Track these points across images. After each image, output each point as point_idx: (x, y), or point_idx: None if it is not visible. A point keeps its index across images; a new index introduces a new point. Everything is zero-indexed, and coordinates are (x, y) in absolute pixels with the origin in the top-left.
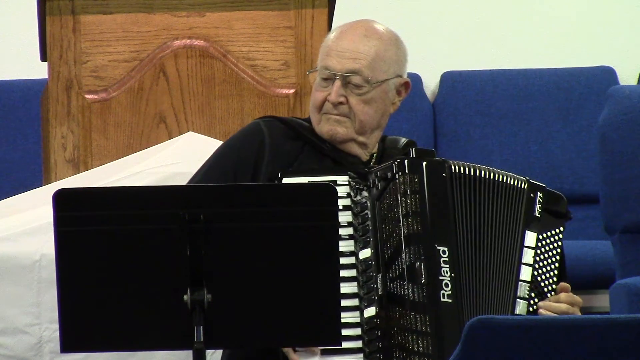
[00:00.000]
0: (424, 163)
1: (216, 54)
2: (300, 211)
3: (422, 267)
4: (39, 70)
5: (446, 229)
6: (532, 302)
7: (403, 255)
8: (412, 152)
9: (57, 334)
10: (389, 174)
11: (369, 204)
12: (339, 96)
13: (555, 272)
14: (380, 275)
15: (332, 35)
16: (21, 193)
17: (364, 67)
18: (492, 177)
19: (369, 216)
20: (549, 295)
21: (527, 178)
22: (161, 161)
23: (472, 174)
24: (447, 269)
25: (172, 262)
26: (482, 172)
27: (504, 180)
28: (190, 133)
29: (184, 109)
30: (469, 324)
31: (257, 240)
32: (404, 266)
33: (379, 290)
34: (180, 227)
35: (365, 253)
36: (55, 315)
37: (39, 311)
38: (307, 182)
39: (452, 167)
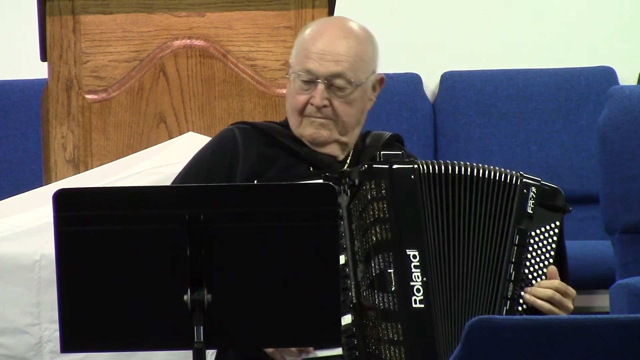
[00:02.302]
0: (390, 168)
1: (216, 54)
2: (300, 211)
3: (392, 274)
4: (39, 70)
5: (416, 233)
6: (521, 300)
7: (373, 264)
8: (379, 157)
9: (57, 334)
10: (356, 181)
11: (342, 210)
12: (323, 99)
13: (550, 267)
14: (353, 283)
15: (307, 36)
16: (21, 193)
17: (347, 69)
18: (472, 174)
19: (343, 222)
20: None
21: (521, 173)
22: (161, 161)
23: (444, 172)
24: (419, 274)
25: (172, 262)
26: (460, 169)
27: (491, 177)
28: (190, 133)
29: (184, 109)
30: (469, 324)
31: (257, 240)
32: (374, 274)
33: (353, 298)
34: (180, 227)
35: (341, 260)
36: (55, 315)
37: (39, 311)
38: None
39: (422, 168)
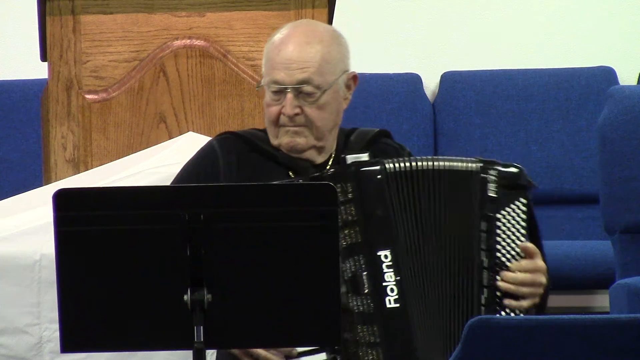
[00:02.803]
0: (356, 170)
1: (216, 54)
2: (300, 211)
3: (364, 277)
4: (39, 70)
5: (386, 233)
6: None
7: (345, 268)
8: (345, 160)
9: (57, 334)
10: None
11: None
12: (294, 108)
13: (526, 245)
14: None
15: (272, 46)
16: (21, 193)
17: (313, 74)
18: (434, 167)
19: None
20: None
21: (479, 158)
22: (161, 161)
23: (409, 169)
24: (392, 273)
25: (172, 262)
26: (424, 164)
27: (450, 167)
28: (190, 133)
29: (184, 109)
30: (469, 324)
31: (257, 240)
32: (347, 278)
33: None
34: (180, 227)
35: None
36: (55, 315)
37: (39, 311)
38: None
39: (388, 167)
